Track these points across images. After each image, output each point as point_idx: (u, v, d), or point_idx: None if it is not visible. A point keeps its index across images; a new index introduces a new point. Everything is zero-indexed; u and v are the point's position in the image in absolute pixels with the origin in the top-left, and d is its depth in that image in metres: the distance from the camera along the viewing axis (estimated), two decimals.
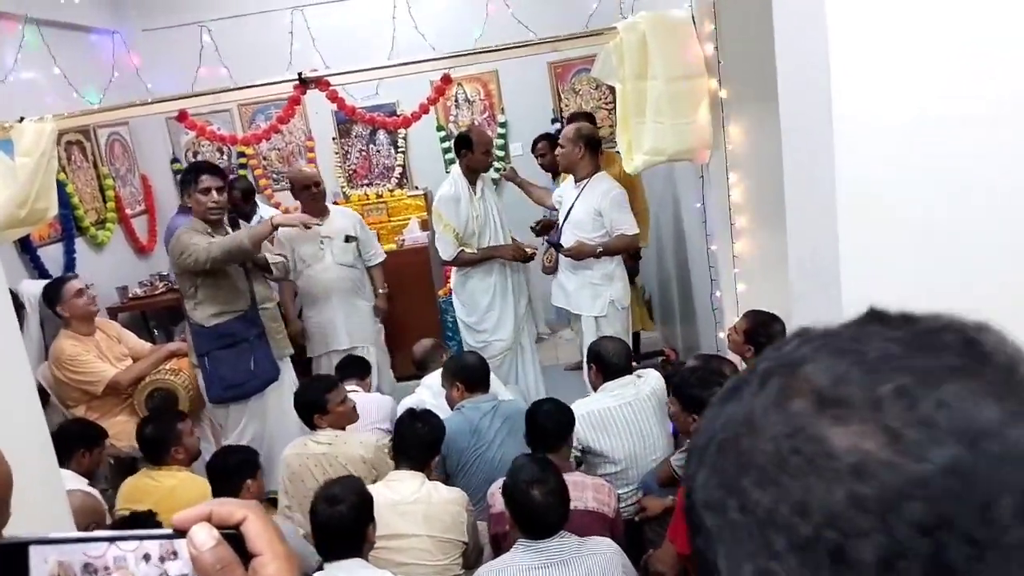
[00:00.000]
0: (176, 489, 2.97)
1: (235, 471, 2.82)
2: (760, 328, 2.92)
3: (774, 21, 1.57)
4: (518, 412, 3.05)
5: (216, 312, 3.71)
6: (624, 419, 3.03)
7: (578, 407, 3.03)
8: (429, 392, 3.60)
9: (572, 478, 2.64)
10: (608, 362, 3.18)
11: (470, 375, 3.31)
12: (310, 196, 4.36)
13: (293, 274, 4.36)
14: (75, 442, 3.12)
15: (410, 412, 2.92)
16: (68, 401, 3.78)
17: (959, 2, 1.33)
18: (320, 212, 4.33)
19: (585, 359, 3.49)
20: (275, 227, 3.77)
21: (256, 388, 3.82)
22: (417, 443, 2.77)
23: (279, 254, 4.15)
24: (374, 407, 3.61)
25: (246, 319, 3.78)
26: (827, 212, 1.34)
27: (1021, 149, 1.33)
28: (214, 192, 3.67)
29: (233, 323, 3.75)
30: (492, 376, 3.74)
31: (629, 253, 4.41)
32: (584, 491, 2.62)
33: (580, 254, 4.04)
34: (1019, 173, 1.34)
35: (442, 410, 3.24)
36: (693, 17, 3.37)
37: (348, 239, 4.44)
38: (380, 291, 4.68)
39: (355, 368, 3.98)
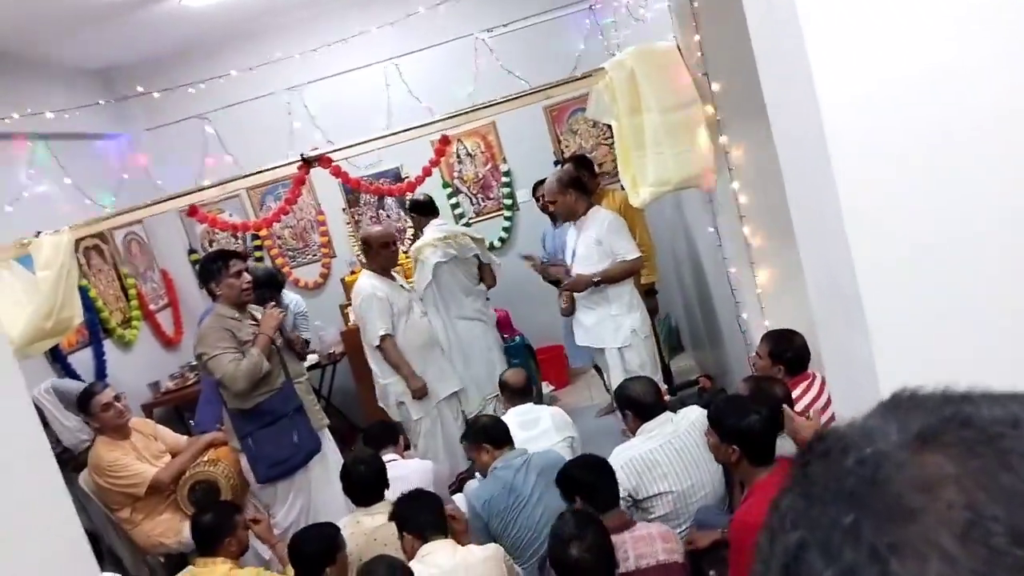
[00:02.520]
0: None
1: (316, 557, 2.79)
2: (783, 346, 2.89)
3: (752, 43, 1.58)
4: (553, 462, 3.01)
5: (255, 394, 3.72)
6: (668, 458, 2.96)
7: (618, 456, 2.99)
8: (552, 422, 3.66)
9: (638, 533, 2.59)
10: (641, 403, 3.14)
11: (493, 434, 3.28)
12: (389, 254, 4.42)
13: (393, 330, 4.34)
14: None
15: (403, 495, 2.86)
16: (112, 505, 3.79)
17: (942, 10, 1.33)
18: (390, 270, 4.48)
19: (617, 408, 3.44)
20: (272, 337, 3.76)
21: (301, 461, 3.82)
22: (422, 514, 2.73)
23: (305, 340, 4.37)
24: (416, 475, 3.58)
25: (283, 395, 3.80)
26: (837, 234, 1.32)
27: (1017, 149, 1.32)
28: (245, 274, 3.77)
29: (271, 400, 3.76)
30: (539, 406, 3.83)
31: (645, 291, 4.41)
32: (653, 544, 2.55)
33: (578, 286, 4.10)
34: (1020, 171, 1.32)
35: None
36: (679, 46, 3.40)
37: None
38: None
39: (387, 436, 3.96)
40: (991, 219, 1.31)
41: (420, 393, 4.32)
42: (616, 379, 3.97)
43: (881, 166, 1.31)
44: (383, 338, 4.27)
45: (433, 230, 4.77)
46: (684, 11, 3.33)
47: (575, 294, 4.23)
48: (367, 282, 4.38)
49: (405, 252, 5.40)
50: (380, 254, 4.39)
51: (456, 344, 4.74)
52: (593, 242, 4.08)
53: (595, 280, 4.05)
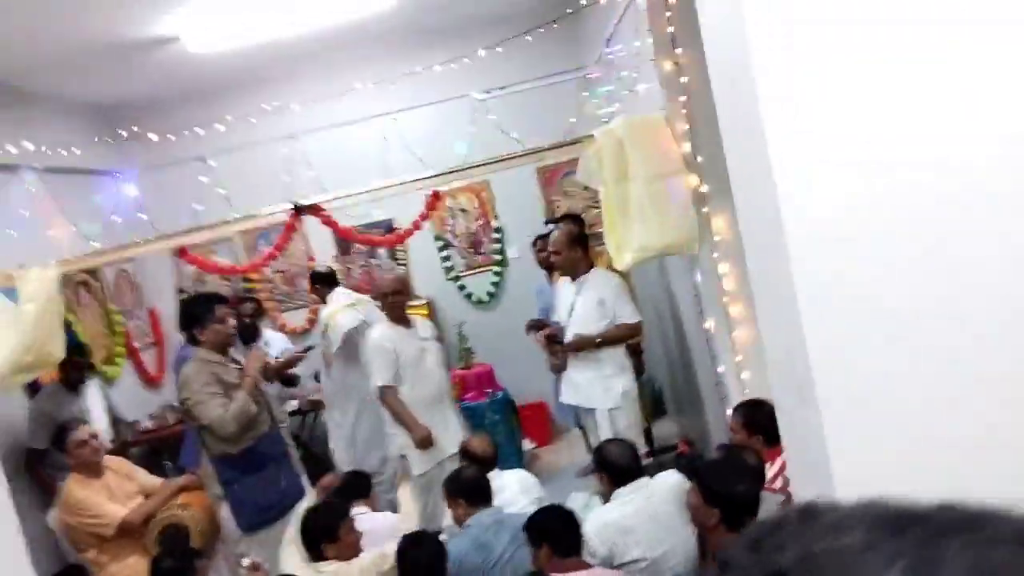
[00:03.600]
0: None
1: None
2: (756, 416, 2.92)
3: (719, 120, 1.65)
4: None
5: (242, 439, 3.68)
6: (642, 524, 2.94)
7: (593, 521, 2.98)
8: (520, 486, 3.60)
9: (594, 572, 2.61)
10: (617, 466, 3.14)
11: (470, 491, 3.26)
12: (394, 304, 4.43)
13: (399, 380, 4.30)
14: None
15: (409, 538, 2.86)
16: (80, 545, 3.73)
17: (891, 80, 1.40)
18: (404, 319, 4.44)
19: (595, 466, 3.43)
20: (255, 380, 3.77)
21: (288, 508, 3.77)
22: (419, 571, 2.71)
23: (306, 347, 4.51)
24: (385, 530, 3.54)
25: (271, 439, 3.78)
26: (791, 312, 1.37)
27: (963, 217, 1.37)
28: (229, 319, 3.77)
29: (259, 445, 3.73)
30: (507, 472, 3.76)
31: (632, 350, 4.43)
32: None
33: (580, 346, 4.08)
34: (965, 241, 1.37)
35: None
36: (667, 118, 3.50)
37: (439, 339, 4.56)
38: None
39: (358, 488, 3.93)
40: (940, 299, 1.36)
41: (424, 443, 4.20)
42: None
43: (835, 249, 1.36)
44: (383, 389, 4.25)
45: (340, 297, 4.95)
46: (673, 85, 3.44)
47: (569, 355, 4.24)
48: (379, 330, 4.40)
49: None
50: (390, 301, 4.42)
51: (362, 406, 4.77)
52: (595, 302, 4.10)
53: (597, 341, 4.06)
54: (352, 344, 4.75)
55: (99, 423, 4.46)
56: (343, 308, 4.87)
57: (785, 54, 1.37)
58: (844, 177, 1.36)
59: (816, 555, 0.39)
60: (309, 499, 3.97)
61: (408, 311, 4.55)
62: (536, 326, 4.68)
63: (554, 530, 2.73)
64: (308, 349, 4.79)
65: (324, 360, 4.95)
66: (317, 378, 5.21)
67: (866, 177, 1.36)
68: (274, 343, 5.21)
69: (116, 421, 4.69)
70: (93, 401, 4.48)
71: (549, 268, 5.25)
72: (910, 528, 0.39)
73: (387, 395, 4.26)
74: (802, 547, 0.40)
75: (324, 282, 5.14)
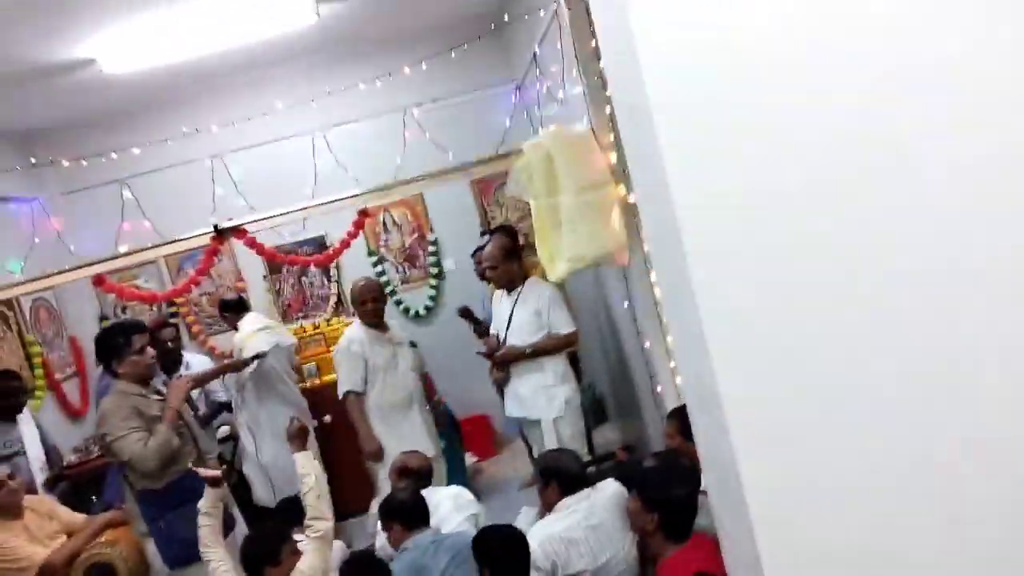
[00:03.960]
0: None
1: None
2: (688, 423, 2.95)
3: (622, 139, 1.66)
4: (464, 544, 2.95)
5: (165, 473, 3.57)
6: (585, 535, 2.94)
7: (536, 534, 2.96)
8: (453, 503, 3.56)
9: None
10: (568, 473, 3.14)
11: (405, 514, 3.20)
12: (369, 311, 4.45)
13: (366, 388, 4.38)
14: None
15: (352, 562, 2.81)
16: None
17: (781, 83, 1.42)
18: (380, 324, 4.49)
19: (539, 477, 3.42)
20: (178, 410, 3.67)
21: (223, 537, 3.65)
22: None
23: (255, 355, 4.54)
24: (336, 555, 3.46)
25: (193, 473, 3.65)
26: (697, 335, 1.38)
27: (867, 227, 1.41)
28: (148, 349, 3.63)
29: (184, 479, 3.60)
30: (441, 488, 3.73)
31: (568, 358, 4.43)
32: None
33: (508, 357, 4.13)
34: (869, 252, 1.41)
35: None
36: (593, 130, 3.53)
37: (412, 344, 4.57)
38: (435, 398, 4.93)
39: (295, 512, 3.83)
40: (850, 320, 1.39)
41: (373, 457, 4.34)
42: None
43: (736, 268, 1.38)
44: (346, 395, 4.37)
45: (251, 322, 4.99)
46: (597, 95, 3.47)
47: (510, 366, 4.22)
48: (348, 333, 4.53)
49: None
50: (364, 308, 4.47)
51: (269, 428, 4.76)
52: (532, 313, 4.11)
53: (527, 351, 4.07)
54: (264, 371, 4.75)
55: (35, 453, 4.25)
56: (254, 332, 4.88)
57: (673, 62, 1.38)
58: (746, 194, 1.38)
59: None
60: (240, 529, 3.87)
61: (382, 315, 4.56)
62: (465, 313, 4.89)
63: (498, 556, 2.70)
64: (257, 357, 4.71)
65: (237, 386, 4.90)
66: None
67: (765, 191, 1.38)
68: (195, 365, 5.04)
69: (48, 451, 4.47)
70: (27, 430, 4.26)
71: (485, 279, 5.24)
72: None
73: (349, 401, 4.37)
74: None
75: (233, 309, 5.16)
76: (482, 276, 5.26)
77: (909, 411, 1.44)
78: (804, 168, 1.40)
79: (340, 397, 4.40)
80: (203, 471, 3.36)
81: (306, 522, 3.19)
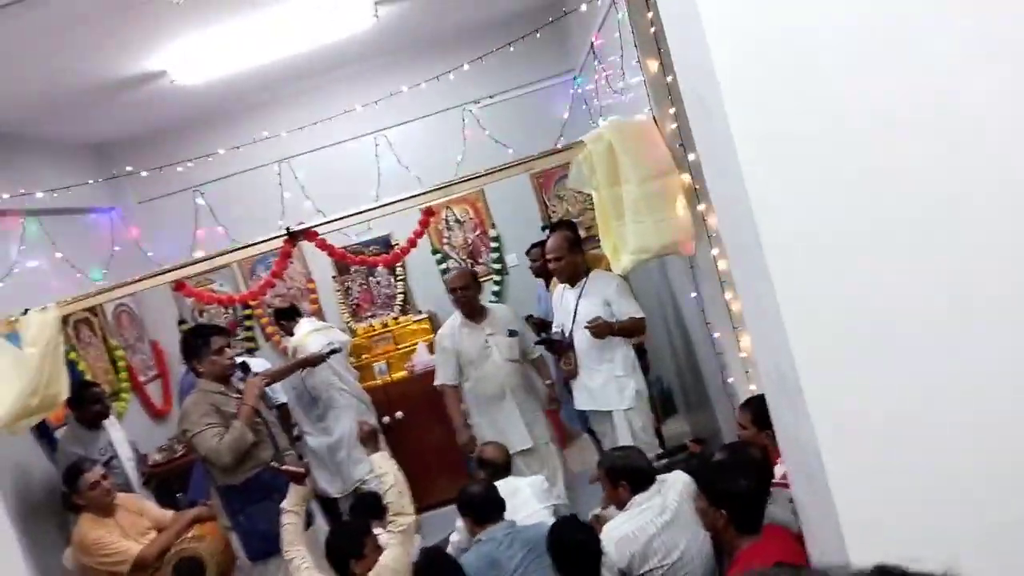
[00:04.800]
0: None
1: None
2: (764, 411, 2.89)
3: (692, 129, 1.63)
4: (539, 537, 2.97)
5: (243, 469, 3.70)
6: (659, 532, 2.92)
7: (612, 533, 2.95)
8: (530, 489, 3.63)
9: None
10: (637, 470, 3.11)
11: (477, 507, 3.23)
12: (458, 300, 4.51)
13: (461, 379, 4.50)
14: None
15: (424, 558, 2.85)
16: None
17: (862, 78, 1.38)
18: (473, 313, 4.50)
19: (605, 476, 3.41)
20: (254, 408, 3.80)
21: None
22: None
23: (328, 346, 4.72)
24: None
25: (273, 468, 3.77)
26: (776, 325, 1.35)
27: (944, 217, 1.36)
28: (227, 350, 3.79)
29: (262, 475, 3.74)
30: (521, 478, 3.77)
31: (636, 350, 4.40)
32: None
33: (602, 329, 3.99)
34: (947, 242, 1.36)
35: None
36: (655, 119, 3.49)
37: (512, 333, 4.46)
38: (547, 382, 4.79)
39: (372, 508, 3.92)
40: (927, 307, 1.35)
41: (465, 448, 4.49)
42: (623, 441, 3.96)
43: (814, 259, 1.35)
44: (441, 387, 4.53)
45: (306, 325, 5.19)
46: (659, 84, 3.44)
47: (579, 360, 4.21)
48: (446, 326, 4.63)
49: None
50: (457, 296, 4.53)
51: (327, 424, 4.95)
52: (600, 304, 4.08)
53: (616, 327, 4.01)
54: (317, 369, 4.90)
55: (126, 454, 4.46)
56: (308, 334, 5.08)
57: (747, 53, 1.36)
58: (819, 181, 1.35)
59: None
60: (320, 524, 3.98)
61: (481, 304, 4.59)
62: (540, 324, 4.66)
63: (567, 550, 2.71)
64: (333, 352, 4.85)
65: (293, 386, 5.04)
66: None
67: (840, 179, 1.35)
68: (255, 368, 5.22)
69: (136, 452, 4.69)
70: (117, 436, 4.48)
71: (545, 276, 5.24)
72: None
73: (444, 393, 4.54)
74: None
75: (287, 317, 5.38)
76: (537, 273, 5.27)
77: (993, 395, 1.39)
78: (880, 151, 1.36)
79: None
80: (287, 467, 3.47)
81: (389, 518, 3.26)
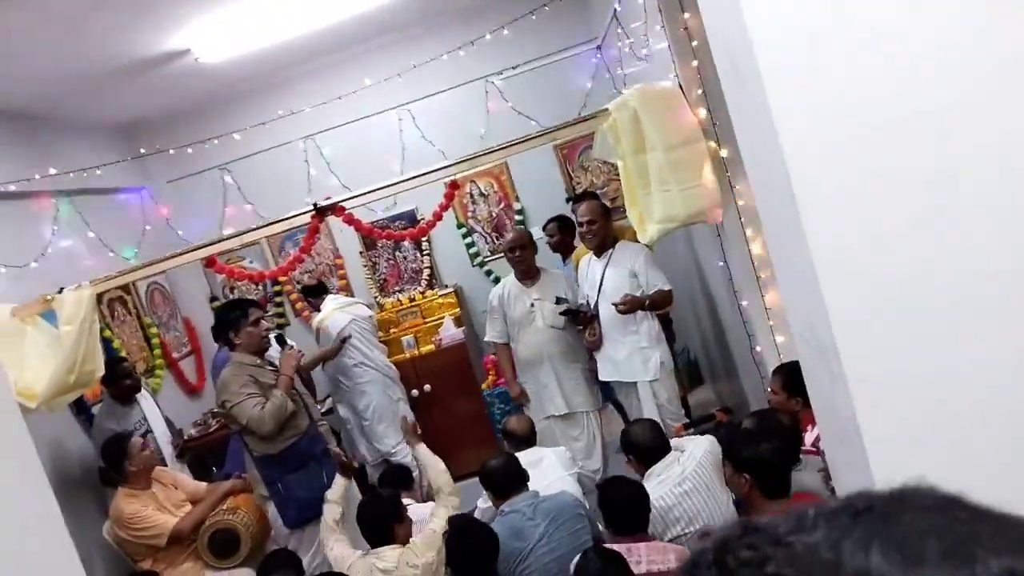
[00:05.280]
0: None
1: None
2: (796, 377, 2.88)
3: (726, 97, 1.61)
4: (561, 506, 3.00)
5: (281, 439, 3.79)
6: (679, 502, 2.94)
7: None
8: (555, 457, 3.69)
9: (653, 544, 2.66)
10: (644, 447, 3.13)
11: (496, 482, 3.26)
12: (512, 260, 4.56)
13: (510, 340, 4.60)
14: None
15: (457, 529, 2.88)
16: (135, 557, 3.82)
17: (900, 38, 1.35)
18: (527, 275, 4.54)
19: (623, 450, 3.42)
20: (292, 378, 3.92)
21: None
22: (470, 561, 2.73)
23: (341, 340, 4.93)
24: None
25: (310, 437, 3.88)
26: (811, 285, 1.33)
27: (983, 181, 1.32)
28: (262, 322, 3.91)
29: (299, 443, 3.83)
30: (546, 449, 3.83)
31: (661, 320, 4.39)
32: (666, 554, 2.61)
33: (634, 304, 3.97)
34: (986, 206, 1.33)
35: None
36: (681, 85, 3.44)
37: (558, 300, 4.43)
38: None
39: (400, 479, 3.98)
40: (963, 266, 1.32)
41: (516, 400, 4.65)
42: (649, 413, 3.97)
43: (850, 219, 1.32)
44: (492, 343, 4.70)
45: (331, 303, 5.30)
46: (684, 49, 3.39)
47: (604, 331, 4.20)
48: (500, 284, 4.72)
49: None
50: (511, 257, 4.57)
51: (359, 395, 5.13)
52: (627, 275, 4.07)
53: (646, 302, 4.00)
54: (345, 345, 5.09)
55: (160, 428, 4.57)
56: (333, 311, 5.22)
57: (783, 13, 1.32)
58: (854, 141, 1.32)
59: (798, 552, 0.39)
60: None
61: (533, 266, 4.59)
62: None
63: (617, 504, 2.75)
64: (343, 341, 5.00)
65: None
66: None
67: (878, 141, 1.32)
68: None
69: (169, 426, 4.80)
70: (150, 411, 4.58)
71: (561, 250, 5.24)
72: (861, 515, 0.40)
73: (496, 350, 4.73)
74: (781, 551, 0.39)
75: (314, 294, 5.52)
76: (554, 248, 5.26)
77: None
78: (917, 114, 1.33)
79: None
80: (336, 453, 3.62)
81: (440, 497, 3.39)
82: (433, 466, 3.54)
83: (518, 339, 4.53)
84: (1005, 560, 0.36)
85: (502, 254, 5.53)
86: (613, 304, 4.02)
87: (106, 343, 4.43)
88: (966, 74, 1.32)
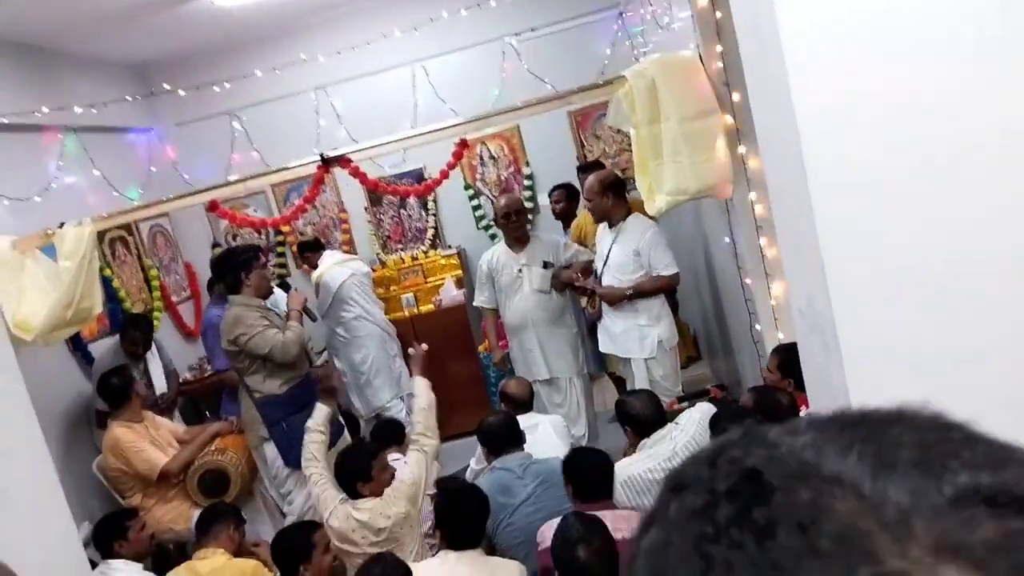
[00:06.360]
0: (214, 573, 2.99)
1: (293, 556, 2.83)
2: (792, 359, 2.87)
3: (744, 68, 1.57)
4: (551, 470, 3.01)
5: (285, 380, 3.88)
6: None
7: (618, 474, 2.98)
8: (551, 425, 3.73)
9: (619, 512, 2.65)
10: (639, 419, 3.13)
11: (495, 437, 3.28)
12: (506, 227, 4.55)
13: (498, 306, 4.63)
14: (110, 534, 3.21)
15: (448, 493, 2.89)
16: (126, 492, 3.86)
17: (917, 19, 1.31)
18: (518, 241, 4.53)
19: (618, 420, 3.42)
20: (300, 313, 4.04)
21: (329, 445, 3.89)
22: (461, 524, 2.74)
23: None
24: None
25: (310, 381, 3.95)
26: (814, 259, 1.31)
27: (991, 161, 1.30)
28: (268, 266, 3.92)
29: (302, 385, 3.92)
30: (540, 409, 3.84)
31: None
32: (631, 521, 2.60)
33: (611, 297, 4.03)
34: (992, 186, 1.30)
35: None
36: (700, 56, 3.38)
37: (546, 265, 4.44)
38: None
39: (391, 434, 3.99)
40: (965, 246, 1.30)
41: (498, 366, 4.73)
42: (641, 387, 3.96)
43: (857, 195, 1.31)
44: (479, 308, 4.72)
45: (328, 258, 5.32)
46: (707, 21, 3.32)
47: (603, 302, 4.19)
48: (489, 250, 4.71)
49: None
50: (503, 223, 4.56)
51: (355, 347, 5.16)
52: (631, 252, 4.02)
53: (628, 294, 4.00)
54: (342, 297, 5.12)
55: (159, 383, 4.63)
56: (331, 267, 5.23)
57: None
58: (868, 122, 1.29)
59: (782, 454, 0.39)
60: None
61: (525, 232, 4.59)
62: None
63: (582, 472, 2.75)
64: (312, 319, 4.98)
65: (321, 312, 5.24)
66: None
67: (892, 121, 1.29)
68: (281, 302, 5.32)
69: (168, 375, 4.84)
70: (155, 371, 4.64)
71: (564, 219, 5.21)
72: (851, 426, 0.41)
73: (483, 314, 4.74)
74: (768, 451, 0.40)
75: (311, 249, 5.52)
76: (558, 215, 5.24)
77: None
78: (932, 89, 1.30)
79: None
80: (321, 372, 3.61)
81: (412, 437, 3.34)
82: (419, 400, 3.47)
83: (505, 305, 4.54)
84: (975, 475, 0.36)
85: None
86: (587, 288, 4.17)
87: (105, 281, 4.43)
88: (981, 53, 1.28)
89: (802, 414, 2.79)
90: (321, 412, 3.52)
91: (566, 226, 5.15)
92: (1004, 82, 1.30)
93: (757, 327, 3.62)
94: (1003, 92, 1.29)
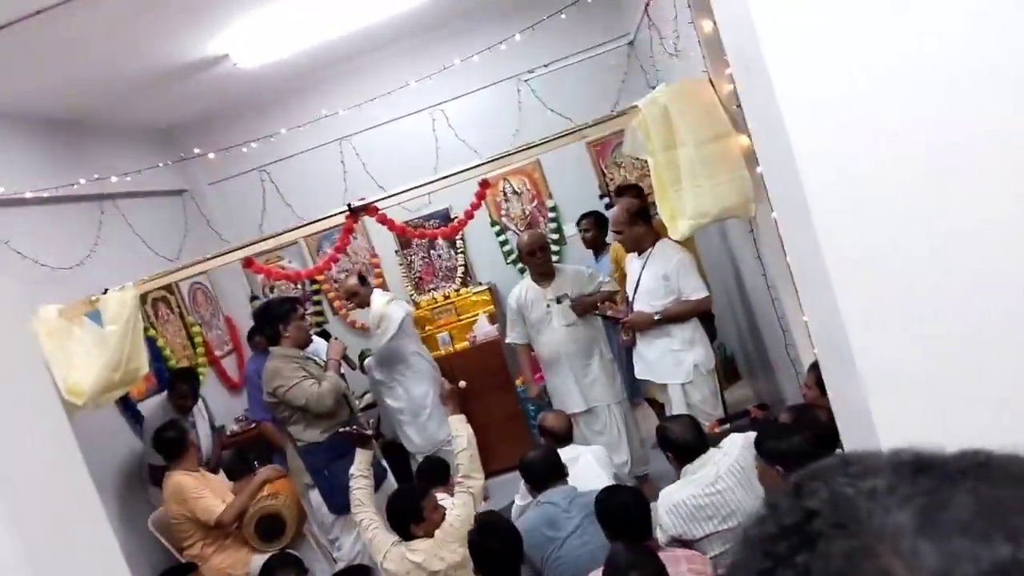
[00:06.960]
0: None
1: None
2: None
3: (739, 95, 1.60)
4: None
5: (325, 428, 3.95)
6: (712, 502, 2.93)
7: (664, 500, 2.98)
8: (592, 456, 3.72)
9: (663, 554, 2.61)
10: (680, 445, 3.12)
11: (537, 472, 3.28)
12: (531, 263, 4.62)
13: (531, 341, 4.68)
14: None
15: (480, 525, 2.91)
16: (185, 541, 3.94)
17: (907, 33, 1.34)
18: (544, 276, 4.58)
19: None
20: (338, 363, 4.12)
21: (375, 488, 3.94)
22: (494, 560, 2.75)
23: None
24: None
25: (352, 426, 3.97)
26: (824, 284, 1.34)
27: (993, 175, 1.31)
28: (307, 317, 4.01)
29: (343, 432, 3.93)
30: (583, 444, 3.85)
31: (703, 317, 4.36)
32: (678, 565, 2.57)
33: (638, 324, 4.04)
34: (996, 200, 1.31)
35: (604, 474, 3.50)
36: (711, 79, 3.42)
37: (559, 300, 4.52)
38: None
39: (437, 473, 4.03)
40: (975, 265, 1.31)
41: (534, 400, 4.79)
42: (679, 413, 3.95)
43: (859, 218, 1.32)
44: (512, 344, 4.74)
45: (380, 296, 5.24)
46: (714, 45, 3.37)
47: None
48: (517, 286, 4.74)
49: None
50: (528, 260, 4.62)
51: (405, 387, 5.11)
52: (660, 277, 4.03)
53: (656, 318, 4.02)
54: (404, 331, 5.08)
55: (204, 440, 4.76)
56: (387, 304, 5.20)
57: (788, 7, 1.32)
58: (863, 138, 1.32)
59: (842, 497, 0.42)
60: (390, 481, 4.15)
61: (551, 267, 4.64)
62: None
63: (613, 512, 2.74)
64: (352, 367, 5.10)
65: (373, 355, 5.22)
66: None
67: (885, 136, 1.31)
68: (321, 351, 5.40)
69: (213, 431, 4.96)
70: (202, 428, 4.77)
71: (594, 247, 5.23)
72: (926, 472, 0.41)
73: (516, 350, 4.76)
74: (832, 490, 0.42)
75: (364, 283, 5.42)
76: (588, 244, 5.26)
77: None
78: (927, 105, 1.32)
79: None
80: (353, 430, 3.65)
81: (458, 479, 3.37)
82: (459, 441, 3.46)
83: (537, 340, 4.58)
84: (1018, 547, 0.35)
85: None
86: (618, 316, 4.17)
87: (150, 342, 4.57)
88: (979, 65, 1.31)
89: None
90: (362, 456, 3.59)
91: (596, 255, 5.18)
92: (1003, 96, 1.32)
93: (792, 344, 3.61)
94: (1000, 106, 1.31)
